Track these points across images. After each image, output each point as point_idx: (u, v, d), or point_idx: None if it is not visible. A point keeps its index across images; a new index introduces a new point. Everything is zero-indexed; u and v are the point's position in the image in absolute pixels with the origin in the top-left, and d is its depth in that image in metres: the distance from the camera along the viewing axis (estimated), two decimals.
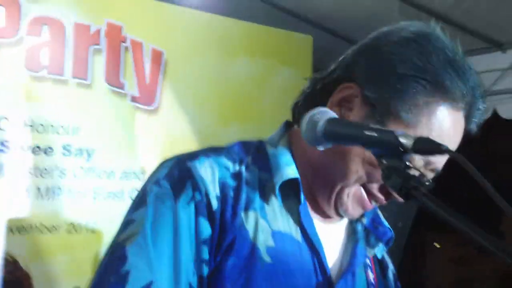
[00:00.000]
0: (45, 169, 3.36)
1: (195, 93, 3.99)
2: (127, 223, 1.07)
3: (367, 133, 0.97)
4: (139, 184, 3.69)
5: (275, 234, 1.08)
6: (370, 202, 1.13)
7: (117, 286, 0.99)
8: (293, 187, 1.11)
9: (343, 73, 1.15)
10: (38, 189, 3.33)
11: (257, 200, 1.09)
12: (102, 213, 3.57)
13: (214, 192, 1.06)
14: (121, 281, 0.99)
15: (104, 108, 3.60)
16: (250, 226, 1.06)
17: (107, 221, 3.59)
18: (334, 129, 1.00)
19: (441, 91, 1.09)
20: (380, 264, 1.28)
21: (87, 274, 3.47)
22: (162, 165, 1.12)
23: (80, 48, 3.47)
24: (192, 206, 1.03)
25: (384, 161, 0.96)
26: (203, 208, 1.04)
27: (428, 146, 0.92)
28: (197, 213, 1.03)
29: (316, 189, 1.15)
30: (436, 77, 1.09)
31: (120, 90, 3.65)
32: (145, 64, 3.76)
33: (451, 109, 1.09)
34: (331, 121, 1.01)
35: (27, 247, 3.29)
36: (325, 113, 1.03)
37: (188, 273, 1.01)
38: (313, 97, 1.19)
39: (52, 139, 3.39)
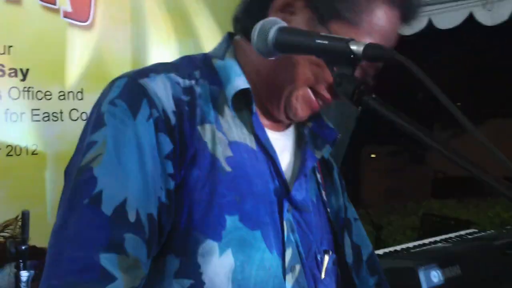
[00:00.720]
0: None
1: (130, 8, 3.85)
2: (88, 145, 1.02)
3: (319, 41, 0.97)
4: (78, 104, 3.64)
5: (232, 144, 1.10)
6: (318, 103, 1.14)
7: (92, 207, 0.97)
8: (244, 98, 1.12)
9: None
10: None
11: (212, 113, 1.10)
12: (41, 135, 3.49)
13: (170, 107, 1.05)
14: (95, 202, 0.97)
15: (36, 25, 3.44)
16: (207, 139, 1.07)
17: (48, 143, 3.53)
18: (285, 38, 1.00)
19: None
20: (325, 165, 1.33)
21: (32, 196, 3.44)
22: (113, 84, 1.08)
23: None
24: (151, 122, 1.02)
25: (335, 68, 0.97)
26: (162, 124, 1.03)
27: (378, 52, 0.93)
28: (156, 129, 1.02)
29: (265, 96, 1.16)
30: None
31: (52, 6, 3.49)
32: None
33: (388, 7, 1.10)
34: (281, 30, 1.00)
35: None
36: (274, 23, 1.02)
37: (156, 188, 1.01)
38: (254, 4, 1.17)
39: None
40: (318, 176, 1.28)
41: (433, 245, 2.61)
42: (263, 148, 1.13)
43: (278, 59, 1.06)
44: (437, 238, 2.80)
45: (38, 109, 3.47)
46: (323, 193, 1.27)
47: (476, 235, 2.84)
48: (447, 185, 13.05)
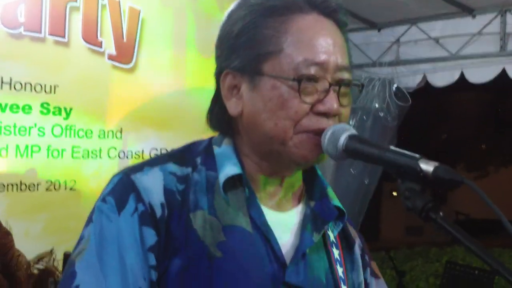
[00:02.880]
0: (23, 127, 3.36)
1: (171, 52, 3.98)
2: (79, 240, 1.11)
3: (390, 155, 1.02)
4: (116, 143, 3.76)
5: (225, 229, 1.12)
6: (319, 133, 1.13)
7: None
8: (239, 182, 1.15)
9: (216, 69, 1.23)
10: (17, 146, 3.34)
11: (205, 199, 1.14)
12: (80, 171, 3.61)
13: (158, 200, 1.10)
14: None
15: (81, 66, 3.58)
16: (197, 226, 1.11)
17: (85, 179, 3.65)
18: (355, 146, 1.06)
19: (278, 13, 1.13)
20: (346, 239, 1.33)
21: (65, 231, 3.54)
22: (110, 180, 1.16)
23: (57, 4, 3.43)
24: (136, 217, 1.08)
25: (401, 181, 1.00)
26: (147, 217, 1.08)
27: (446, 174, 0.96)
28: (140, 223, 1.08)
29: (274, 163, 1.18)
30: (266, 8, 1.14)
31: (98, 48, 3.63)
32: (123, 22, 3.73)
33: (299, 17, 1.13)
34: (351, 137, 1.07)
35: (7, 205, 3.32)
36: (344, 129, 1.09)
37: (138, 280, 1.07)
38: (216, 99, 1.24)
39: (30, 98, 3.38)
40: (336, 252, 1.27)
41: None
42: (259, 230, 1.15)
43: (257, 133, 1.13)
44: None
45: (79, 147, 3.60)
46: (339, 270, 1.26)
47: None
48: (469, 227, 12.93)
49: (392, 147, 1.05)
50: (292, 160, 1.15)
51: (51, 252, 3.55)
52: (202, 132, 4.11)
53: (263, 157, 1.18)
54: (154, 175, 1.13)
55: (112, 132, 3.74)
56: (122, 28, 3.73)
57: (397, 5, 4.92)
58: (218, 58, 1.22)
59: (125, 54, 3.76)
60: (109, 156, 3.73)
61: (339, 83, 1.13)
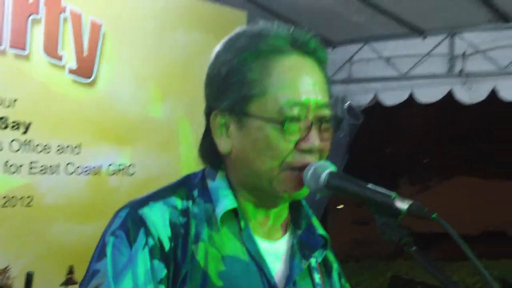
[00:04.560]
0: None
1: (132, 67, 3.97)
2: (93, 274, 1.16)
3: (368, 193, 1.12)
4: (74, 158, 3.70)
5: (225, 259, 1.20)
6: (303, 168, 1.21)
7: None
8: (235, 215, 1.24)
9: (206, 107, 1.31)
10: None
11: (205, 231, 1.21)
12: (37, 187, 3.54)
13: (165, 234, 1.17)
14: None
15: (41, 80, 3.52)
16: (200, 257, 1.18)
17: (42, 195, 3.57)
18: (335, 182, 1.16)
19: (262, 56, 1.22)
20: (325, 265, 1.43)
21: (21, 248, 3.47)
22: (116, 215, 1.22)
23: (18, 17, 3.36)
24: (147, 250, 1.15)
25: (377, 216, 1.11)
26: (156, 251, 1.15)
27: (419, 211, 1.06)
28: (151, 257, 1.15)
29: (262, 198, 1.27)
30: (250, 51, 1.23)
31: (58, 62, 3.58)
32: (84, 36, 3.70)
33: (281, 59, 1.22)
34: (332, 174, 1.17)
35: None
36: (325, 167, 1.18)
37: None
38: (206, 135, 1.33)
39: None
40: (317, 277, 1.37)
41: None
42: (254, 260, 1.24)
43: (249, 170, 1.20)
44: None
45: (37, 162, 3.53)
46: None
47: None
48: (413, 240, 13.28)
49: (369, 185, 1.15)
50: (277, 196, 1.25)
51: (5, 269, 3.45)
52: (162, 148, 4.13)
53: (251, 191, 1.27)
54: (159, 210, 1.20)
55: (71, 147, 3.68)
56: (83, 42, 3.69)
57: (351, 24, 5.07)
58: (207, 97, 1.31)
59: (85, 68, 3.72)
60: (67, 172, 3.67)
61: (320, 120, 1.23)
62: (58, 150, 3.63)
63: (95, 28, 3.75)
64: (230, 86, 1.23)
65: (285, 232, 1.34)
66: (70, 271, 3.72)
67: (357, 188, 1.15)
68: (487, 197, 17.43)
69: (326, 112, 1.24)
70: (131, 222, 1.18)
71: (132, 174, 4.03)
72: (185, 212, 1.22)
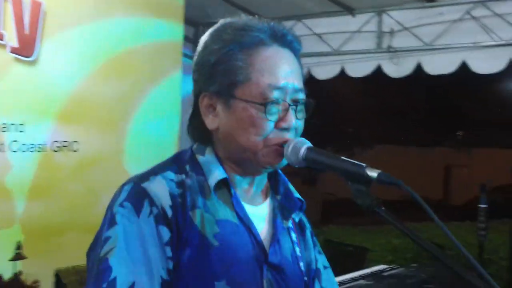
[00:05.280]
0: None
1: (74, 45, 4.01)
2: (105, 240, 1.30)
3: (342, 164, 1.32)
4: (19, 136, 3.74)
5: (218, 222, 1.37)
6: (281, 146, 1.40)
7: None
8: (225, 184, 1.41)
9: (194, 90, 1.47)
10: None
11: (200, 200, 1.38)
12: None
13: (167, 203, 1.33)
14: (111, 286, 1.25)
15: None
16: (197, 221, 1.35)
17: None
18: (312, 156, 1.35)
19: (246, 47, 1.38)
20: (300, 226, 1.62)
21: None
22: (121, 189, 1.36)
23: None
24: (152, 218, 1.31)
25: (350, 183, 1.29)
26: (160, 218, 1.31)
27: (387, 179, 1.25)
28: (156, 223, 1.30)
29: (246, 168, 1.45)
30: (236, 43, 1.39)
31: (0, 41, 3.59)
32: (25, 14, 3.71)
33: (262, 50, 1.39)
34: (309, 149, 1.36)
35: None
36: (303, 143, 1.37)
37: (158, 269, 1.29)
38: (194, 114, 1.49)
39: None
40: (294, 235, 1.56)
41: (351, 283, 2.98)
42: (243, 222, 1.42)
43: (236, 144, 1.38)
44: (351, 275, 3.17)
45: None
46: (297, 249, 1.55)
47: (388, 272, 3.26)
48: (337, 207, 13.84)
49: (342, 157, 1.35)
50: (260, 166, 1.43)
51: None
52: (105, 125, 4.23)
53: (237, 162, 1.45)
54: (159, 183, 1.36)
55: (15, 124, 3.71)
56: (24, 20, 3.70)
57: (284, 2, 5.25)
58: (196, 81, 1.47)
59: (27, 47, 3.74)
60: (12, 149, 3.71)
61: (296, 103, 1.42)
62: (2, 128, 3.66)
63: (36, 7, 3.76)
64: (218, 73, 1.40)
65: (265, 198, 1.52)
66: (18, 247, 3.79)
67: (332, 160, 1.33)
68: (408, 165, 18.30)
69: (301, 96, 1.42)
70: (136, 194, 1.33)
71: (76, 150, 4.10)
72: (180, 184, 1.37)
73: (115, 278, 1.26)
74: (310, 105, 1.45)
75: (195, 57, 1.47)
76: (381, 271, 3.33)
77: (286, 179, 1.58)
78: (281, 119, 1.39)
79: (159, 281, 1.29)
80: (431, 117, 18.35)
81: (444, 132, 20.15)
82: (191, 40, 5.88)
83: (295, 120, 1.41)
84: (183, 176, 1.40)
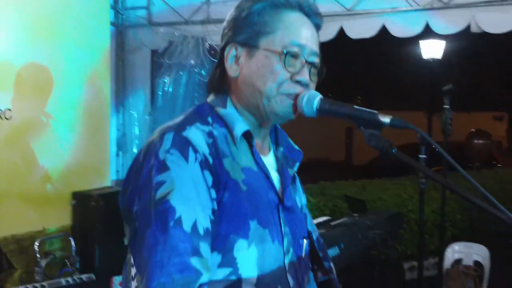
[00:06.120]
0: None
1: (7, 11, 3.91)
2: (158, 184, 1.39)
3: (356, 112, 1.46)
4: None
5: (243, 169, 1.50)
6: (295, 96, 1.51)
7: (178, 228, 1.36)
8: (246, 135, 1.54)
9: (223, 42, 1.59)
10: None
11: (227, 149, 1.50)
12: None
13: (206, 151, 1.44)
14: (178, 224, 1.36)
15: None
16: (229, 168, 1.47)
17: None
18: (326, 106, 1.49)
19: (275, 7, 1.53)
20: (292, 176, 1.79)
21: None
22: (163, 137, 1.44)
23: None
24: (197, 164, 1.41)
25: (363, 128, 1.44)
26: (204, 164, 1.42)
27: (399, 123, 1.41)
28: (202, 168, 1.42)
29: (260, 116, 1.57)
30: (267, 2, 1.53)
31: None
32: None
33: (290, 12, 1.54)
34: (322, 100, 1.49)
35: None
36: (316, 95, 1.50)
37: (208, 209, 1.41)
38: (217, 66, 1.60)
39: None
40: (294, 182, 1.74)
41: None
42: (261, 170, 1.57)
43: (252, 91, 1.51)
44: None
45: None
46: (297, 195, 1.74)
47: (334, 222, 3.47)
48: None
49: (355, 106, 1.48)
50: (273, 113, 1.55)
51: None
52: (39, 92, 4.18)
53: (252, 110, 1.57)
54: (196, 133, 1.46)
55: None
56: None
57: None
58: (225, 35, 1.58)
59: None
60: None
61: (311, 64, 1.56)
62: None
63: None
64: (247, 25, 1.53)
65: (269, 150, 1.67)
66: None
67: (347, 109, 1.47)
68: (313, 131, 18.93)
69: (317, 60, 1.56)
70: (180, 142, 1.42)
71: (9, 118, 3.99)
72: (210, 134, 1.48)
73: (180, 217, 1.36)
74: (323, 71, 1.59)
75: (227, 17, 1.59)
76: (326, 221, 3.54)
77: (285, 133, 1.74)
78: (297, 72, 1.52)
79: (208, 220, 1.41)
80: (339, 81, 19.02)
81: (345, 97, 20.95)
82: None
83: (309, 78, 1.54)
84: (210, 127, 1.50)
